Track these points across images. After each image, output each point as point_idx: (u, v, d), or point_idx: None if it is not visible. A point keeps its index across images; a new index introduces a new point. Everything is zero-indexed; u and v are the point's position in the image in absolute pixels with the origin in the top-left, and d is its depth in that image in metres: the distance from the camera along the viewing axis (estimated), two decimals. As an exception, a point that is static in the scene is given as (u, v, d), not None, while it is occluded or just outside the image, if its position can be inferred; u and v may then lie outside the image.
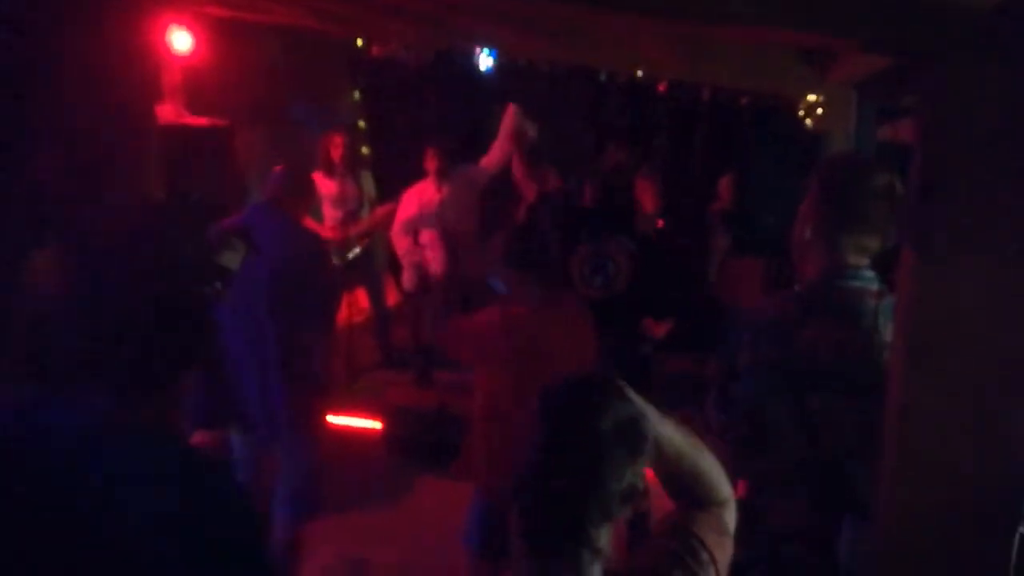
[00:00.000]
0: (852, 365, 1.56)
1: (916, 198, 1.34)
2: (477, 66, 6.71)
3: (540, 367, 2.33)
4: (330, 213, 5.42)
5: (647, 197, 5.58)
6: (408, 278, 5.48)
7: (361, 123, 7.56)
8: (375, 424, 4.67)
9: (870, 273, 1.63)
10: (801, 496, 1.64)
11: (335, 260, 5.45)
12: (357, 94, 7.53)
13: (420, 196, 5.18)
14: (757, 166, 4.58)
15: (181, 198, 4.40)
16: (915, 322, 1.39)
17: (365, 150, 7.56)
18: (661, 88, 6.51)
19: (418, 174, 5.37)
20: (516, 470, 1.14)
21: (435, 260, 5.24)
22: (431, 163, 5.09)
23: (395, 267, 7.11)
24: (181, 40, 4.88)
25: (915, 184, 1.34)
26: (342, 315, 5.70)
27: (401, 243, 5.37)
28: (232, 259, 1.65)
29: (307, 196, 3.41)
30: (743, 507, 1.31)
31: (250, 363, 3.02)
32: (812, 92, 4.46)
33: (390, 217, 5.57)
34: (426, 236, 5.22)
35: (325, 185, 5.40)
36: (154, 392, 1.14)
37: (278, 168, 3.38)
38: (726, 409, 1.69)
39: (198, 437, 2.76)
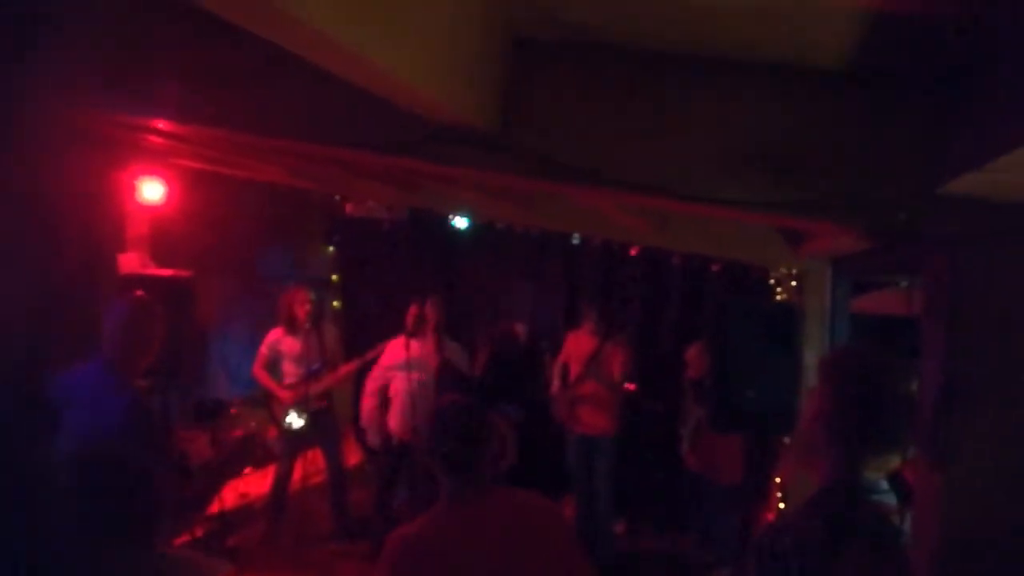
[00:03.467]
0: None
1: (939, 403, 1.20)
2: (452, 224, 6.76)
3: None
4: (290, 370, 5.20)
5: (615, 361, 5.47)
6: (372, 438, 5.30)
7: (334, 277, 7.51)
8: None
9: (885, 487, 1.45)
10: None
11: (293, 420, 5.19)
12: (331, 249, 7.52)
13: (392, 352, 5.07)
14: (730, 336, 4.50)
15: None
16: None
17: (336, 304, 7.47)
18: (633, 252, 6.54)
19: (389, 329, 5.26)
20: None
21: (394, 416, 5.05)
22: (410, 317, 4.98)
23: (357, 425, 6.83)
24: (151, 190, 4.84)
25: (937, 387, 1.21)
26: (296, 476, 5.38)
27: (367, 402, 5.24)
28: None
29: (146, 357, 2.94)
30: None
31: None
32: (785, 264, 4.47)
33: (352, 375, 5.40)
34: (393, 388, 5.06)
35: (285, 342, 5.22)
36: None
37: (115, 323, 2.90)
38: None
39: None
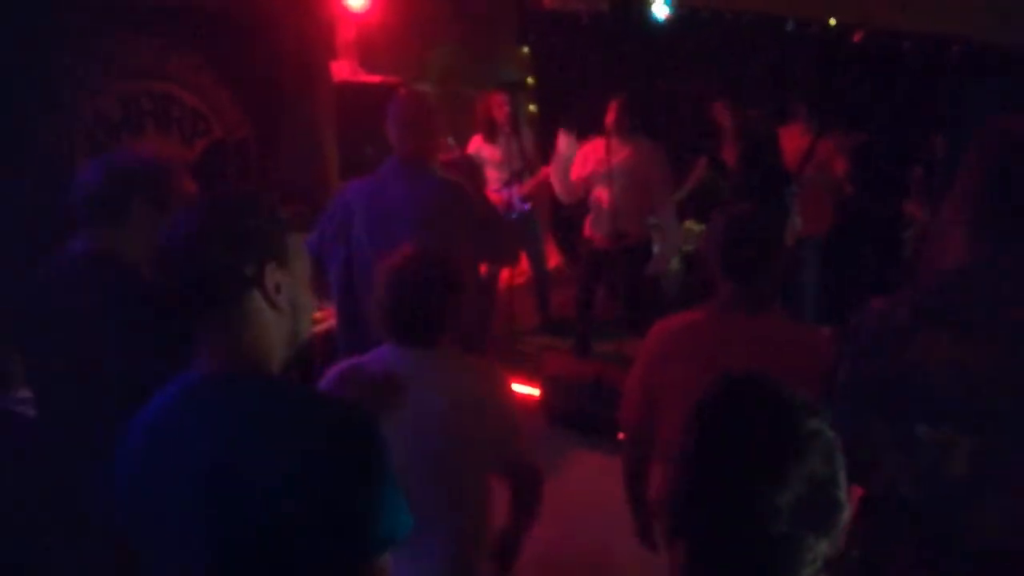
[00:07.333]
0: (980, 391, 1.25)
1: None
2: (653, 16, 6.30)
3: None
4: (493, 175, 5.31)
5: (837, 160, 5.09)
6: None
7: (529, 80, 7.38)
8: (533, 391, 4.60)
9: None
10: (908, 547, 1.37)
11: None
12: (526, 49, 7.35)
13: (595, 154, 4.80)
14: (971, 124, 3.97)
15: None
16: None
17: (532, 108, 7.39)
18: (856, 38, 5.88)
19: (586, 133, 4.95)
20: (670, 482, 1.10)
21: (594, 222, 4.93)
22: (611, 116, 4.65)
23: (558, 228, 6.97)
24: (356, -2, 4.88)
25: None
26: (504, 276, 5.66)
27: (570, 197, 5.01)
28: None
29: (434, 146, 3.05)
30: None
31: None
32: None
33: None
34: (595, 194, 4.86)
35: (486, 149, 5.28)
36: None
37: (399, 119, 2.97)
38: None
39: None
